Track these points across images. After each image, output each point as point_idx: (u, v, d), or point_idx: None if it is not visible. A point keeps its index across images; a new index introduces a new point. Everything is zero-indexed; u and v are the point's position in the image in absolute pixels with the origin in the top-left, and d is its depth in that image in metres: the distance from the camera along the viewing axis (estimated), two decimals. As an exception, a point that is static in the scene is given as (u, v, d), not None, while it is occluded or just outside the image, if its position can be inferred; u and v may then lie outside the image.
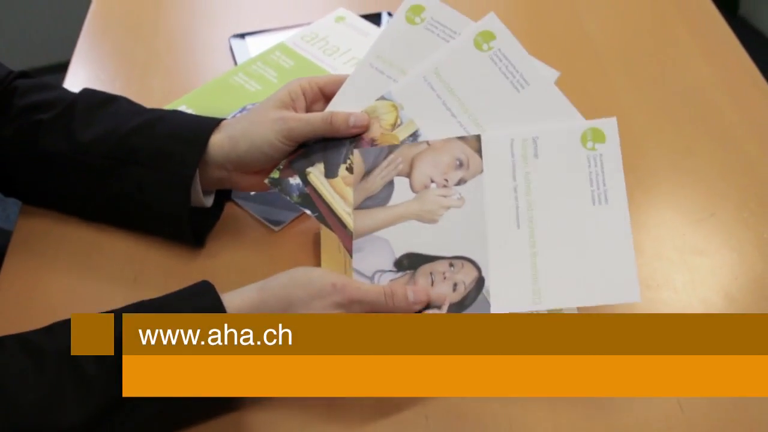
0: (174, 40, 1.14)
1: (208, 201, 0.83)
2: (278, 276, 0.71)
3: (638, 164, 0.94)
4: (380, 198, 0.76)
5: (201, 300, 0.68)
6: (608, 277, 0.71)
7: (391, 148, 0.78)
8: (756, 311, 0.80)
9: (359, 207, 0.76)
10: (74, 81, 1.05)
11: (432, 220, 0.75)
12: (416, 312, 0.72)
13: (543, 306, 0.71)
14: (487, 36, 0.80)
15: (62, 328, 0.66)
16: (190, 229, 0.82)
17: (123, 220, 0.86)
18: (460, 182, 0.76)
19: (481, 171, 0.75)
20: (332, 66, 1.07)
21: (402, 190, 0.76)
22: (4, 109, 0.84)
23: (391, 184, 0.77)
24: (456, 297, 0.72)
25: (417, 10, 0.82)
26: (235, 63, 1.08)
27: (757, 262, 0.84)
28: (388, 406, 0.72)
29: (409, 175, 0.77)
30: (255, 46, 1.10)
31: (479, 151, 0.76)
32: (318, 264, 0.82)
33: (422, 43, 0.82)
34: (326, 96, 0.82)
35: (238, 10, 1.18)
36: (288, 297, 0.69)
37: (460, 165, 0.76)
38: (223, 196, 0.86)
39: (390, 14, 1.15)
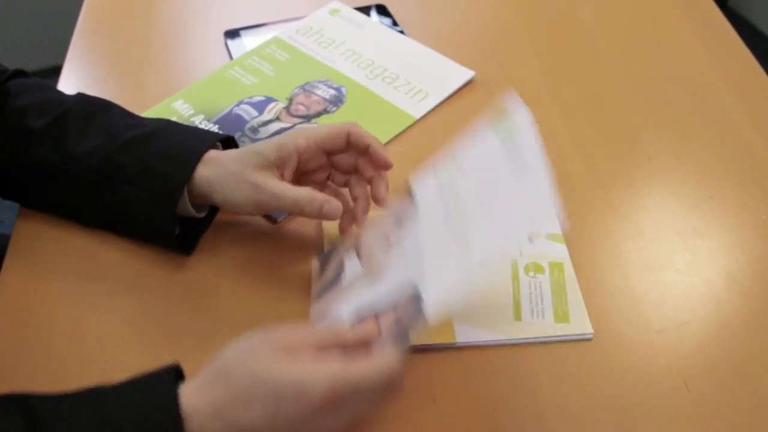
0: (168, 37, 1.13)
1: (201, 211, 0.82)
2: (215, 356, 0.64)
3: (638, 150, 0.94)
4: (334, 281, 0.75)
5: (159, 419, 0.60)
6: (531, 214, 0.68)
7: (336, 243, 0.80)
8: (758, 292, 0.80)
9: (317, 296, 0.76)
10: (69, 80, 1.05)
11: (377, 275, 0.73)
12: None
13: (473, 270, 0.67)
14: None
15: (5, 406, 0.62)
16: (176, 243, 0.81)
17: (114, 230, 0.85)
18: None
19: (416, 215, 0.75)
20: (329, 58, 1.07)
21: (352, 266, 0.75)
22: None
23: (341, 265, 0.76)
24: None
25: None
26: (231, 58, 1.08)
27: (756, 244, 0.84)
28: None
29: (356, 249, 0.77)
30: (250, 41, 1.10)
31: (412, 196, 0.76)
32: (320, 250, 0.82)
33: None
34: (326, 151, 0.80)
35: (232, 5, 1.17)
36: (223, 366, 0.63)
37: (399, 221, 0.76)
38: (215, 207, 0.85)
39: (379, 7, 1.15)
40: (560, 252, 0.82)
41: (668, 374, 0.73)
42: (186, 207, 0.80)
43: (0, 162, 0.84)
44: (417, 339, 0.74)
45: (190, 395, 0.61)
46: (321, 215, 0.76)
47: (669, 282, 0.81)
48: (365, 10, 1.15)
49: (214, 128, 0.96)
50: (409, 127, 0.97)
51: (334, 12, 1.14)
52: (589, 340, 0.75)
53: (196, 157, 0.78)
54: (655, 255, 0.83)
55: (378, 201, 0.79)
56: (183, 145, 0.80)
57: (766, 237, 0.85)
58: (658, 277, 0.81)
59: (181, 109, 0.99)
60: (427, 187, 0.76)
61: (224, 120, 0.97)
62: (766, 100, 1.00)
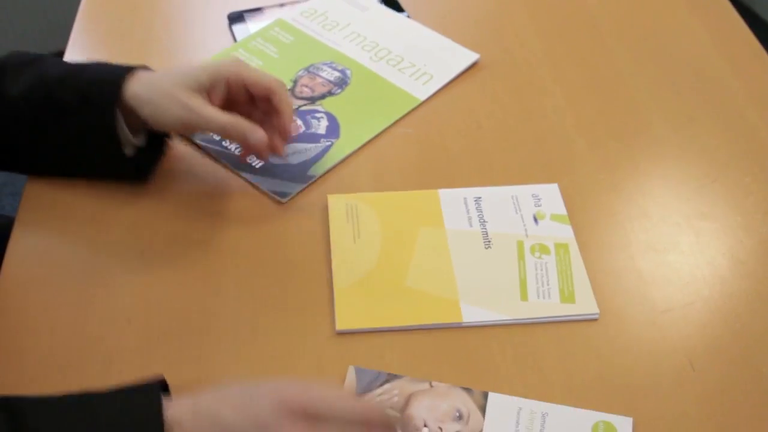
0: (171, 20, 1.13)
1: (138, 136, 0.85)
2: (215, 396, 0.63)
3: (642, 133, 0.94)
4: None
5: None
6: None
7: (390, 377, 0.71)
8: (761, 273, 0.80)
9: None
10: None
11: None
12: None
13: None
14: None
15: (55, 408, 0.63)
16: (128, 168, 0.84)
17: (71, 170, 0.87)
18: None
19: (481, 430, 0.68)
20: (333, 41, 1.06)
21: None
22: None
23: None
24: None
25: None
26: (235, 41, 1.08)
27: (761, 226, 0.85)
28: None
29: (402, 410, 0.69)
30: (254, 24, 1.10)
31: (483, 409, 0.69)
32: (327, 232, 0.82)
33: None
34: (251, 95, 0.84)
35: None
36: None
37: (459, 417, 0.69)
38: (164, 135, 0.88)
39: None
40: (566, 233, 0.82)
41: (673, 353, 0.74)
42: (125, 136, 0.82)
43: None
44: (423, 319, 0.75)
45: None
46: (245, 142, 0.81)
47: (674, 263, 0.81)
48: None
49: None
50: (414, 109, 0.97)
51: None
52: (594, 319, 0.76)
53: (124, 76, 0.81)
54: (660, 237, 0.83)
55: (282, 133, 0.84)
56: (111, 70, 0.83)
57: (770, 219, 0.85)
58: (663, 258, 0.81)
59: None
60: (504, 411, 0.69)
61: None
62: (769, 84, 1.01)
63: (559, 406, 0.69)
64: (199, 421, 0.61)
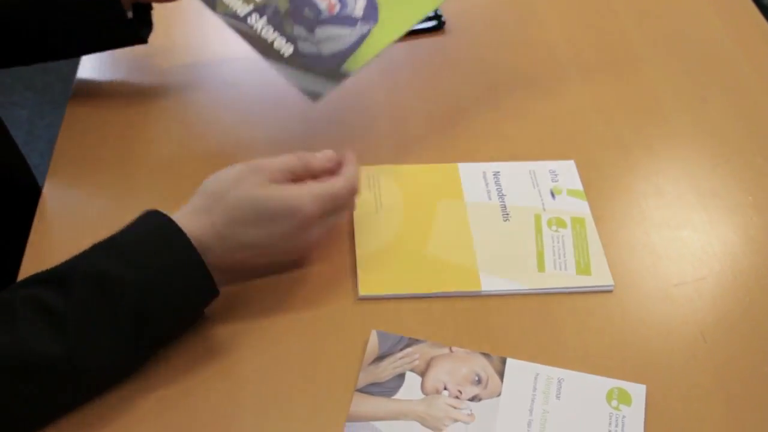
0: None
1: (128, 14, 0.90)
2: (198, 188, 0.73)
3: (656, 113, 0.96)
4: (387, 388, 0.70)
5: (162, 234, 0.69)
6: None
7: (411, 341, 0.74)
8: (773, 250, 0.83)
9: (362, 390, 0.70)
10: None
11: (436, 428, 0.68)
12: None
13: None
14: None
15: (21, 284, 0.68)
16: (128, 28, 0.90)
17: (72, 48, 0.94)
18: (474, 399, 0.70)
19: (499, 394, 0.70)
20: None
21: (412, 386, 0.71)
22: None
23: (401, 377, 0.71)
24: None
25: None
26: None
27: (771, 204, 0.87)
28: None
29: (422, 373, 0.71)
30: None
31: (501, 374, 0.71)
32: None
33: None
34: None
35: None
36: (213, 192, 0.72)
37: (478, 381, 0.71)
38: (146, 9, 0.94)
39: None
40: (582, 208, 0.84)
41: (686, 326, 0.76)
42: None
43: None
44: (443, 287, 0.77)
45: (185, 221, 0.69)
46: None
47: (687, 239, 0.83)
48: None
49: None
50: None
51: None
52: (609, 291, 0.78)
53: None
54: (674, 213, 0.85)
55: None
56: None
57: (781, 199, 0.88)
58: (677, 234, 0.84)
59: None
60: (522, 376, 0.72)
61: None
62: (781, 69, 1.03)
63: (575, 372, 0.72)
64: (229, 248, 0.71)
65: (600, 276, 0.79)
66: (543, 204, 0.85)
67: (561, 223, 0.83)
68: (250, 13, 0.83)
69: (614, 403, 0.70)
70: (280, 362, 0.72)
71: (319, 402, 0.69)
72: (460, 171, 0.88)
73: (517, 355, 0.73)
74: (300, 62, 0.82)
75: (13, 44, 0.90)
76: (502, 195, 0.85)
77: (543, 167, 0.88)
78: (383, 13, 0.83)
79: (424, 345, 0.73)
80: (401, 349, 0.73)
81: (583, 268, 0.79)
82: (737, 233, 0.84)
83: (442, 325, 0.75)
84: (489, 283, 0.78)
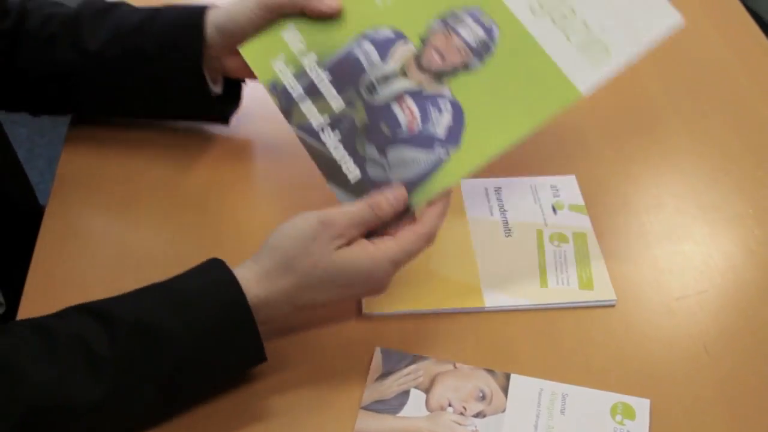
0: None
1: (217, 88, 0.88)
2: (266, 241, 0.70)
3: (656, 127, 0.97)
4: (391, 405, 0.70)
5: (219, 289, 0.68)
6: None
7: (416, 358, 0.74)
8: (774, 262, 0.83)
9: (367, 408, 0.70)
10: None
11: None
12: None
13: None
14: None
15: (71, 313, 0.67)
16: (213, 106, 0.88)
17: (152, 112, 0.92)
18: (479, 415, 0.70)
19: (503, 410, 0.70)
20: None
21: (416, 403, 0.70)
22: (21, 32, 0.88)
23: (406, 394, 0.71)
24: None
25: None
26: None
27: (771, 217, 0.88)
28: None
29: (427, 390, 0.71)
30: None
31: (505, 390, 0.71)
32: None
33: None
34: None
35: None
36: (285, 255, 0.68)
37: (483, 397, 0.71)
38: (238, 84, 0.92)
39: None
40: (583, 222, 0.85)
41: (688, 339, 0.76)
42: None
43: (31, 75, 0.88)
44: (447, 303, 0.78)
45: (253, 284, 0.67)
46: (323, 6, 0.79)
47: (688, 252, 0.84)
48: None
49: (324, 76, 0.78)
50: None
51: None
52: (612, 306, 0.78)
53: (201, 19, 0.83)
54: (675, 227, 0.86)
55: None
56: (186, 13, 0.85)
57: (781, 211, 0.88)
58: (678, 248, 0.84)
59: (290, 40, 0.80)
60: (526, 391, 0.72)
61: (339, 66, 0.78)
62: (780, 81, 1.03)
63: (579, 387, 0.72)
64: (297, 308, 0.70)
65: (602, 290, 0.79)
66: (545, 219, 0.85)
67: (563, 238, 0.83)
68: (324, 127, 0.76)
69: (618, 417, 0.70)
70: (285, 380, 0.72)
71: (325, 420, 0.70)
72: (461, 187, 0.88)
73: (521, 371, 0.73)
74: (365, 189, 0.74)
75: (85, 94, 0.90)
76: (504, 211, 0.86)
77: (544, 183, 0.89)
78: (468, 137, 0.73)
79: (428, 362, 0.73)
80: (405, 366, 0.73)
81: (586, 283, 0.79)
82: (738, 246, 0.84)
83: (446, 342, 0.75)
84: (492, 300, 0.78)
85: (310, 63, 0.79)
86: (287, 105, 0.78)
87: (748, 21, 1.12)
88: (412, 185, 0.72)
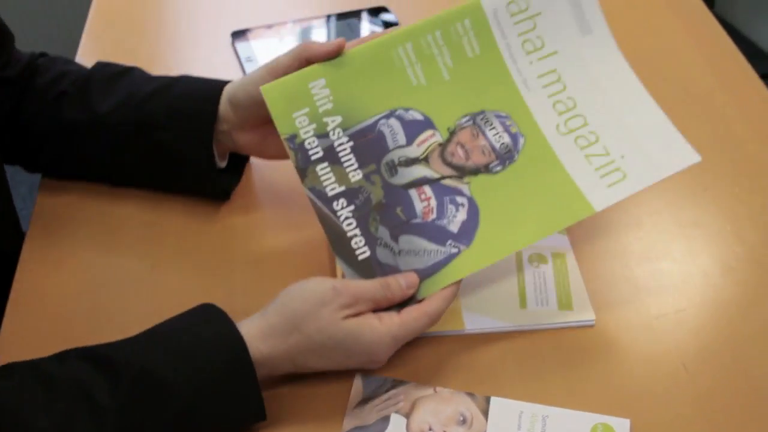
0: (176, 38, 1.16)
1: (222, 162, 0.87)
2: (277, 298, 0.72)
3: (633, 144, 0.97)
4: (372, 431, 0.71)
5: (223, 343, 0.68)
6: None
7: (395, 383, 0.74)
8: (751, 279, 0.84)
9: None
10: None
11: None
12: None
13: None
14: None
15: (73, 358, 0.67)
16: (217, 182, 0.86)
17: (149, 182, 0.90)
18: None
19: None
20: (524, 74, 0.79)
21: (397, 428, 0.71)
22: (29, 87, 0.88)
23: (386, 419, 0.71)
24: None
25: None
26: (238, 58, 1.10)
27: (749, 234, 0.88)
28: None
29: (408, 415, 0.72)
30: (257, 43, 1.12)
31: (485, 413, 0.72)
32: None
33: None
34: None
35: (240, 5, 1.20)
36: (294, 315, 0.70)
37: (463, 421, 0.71)
38: (241, 159, 0.90)
39: (378, 11, 1.18)
40: (562, 243, 0.85)
41: (667, 357, 0.77)
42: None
43: (34, 130, 0.88)
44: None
45: (259, 341, 0.68)
46: (325, 47, 0.77)
47: (667, 271, 0.84)
48: (361, 13, 1.17)
49: (346, 143, 0.76)
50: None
51: None
52: (591, 326, 0.79)
53: (218, 92, 0.83)
54: (653, 245, 0.86)
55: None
56: (204, 86, 0.85)
57: (759, 227, 0.88)
58: (657, 266, 0.85)
59: (318, 95, 0.77)
60: (506, 414, 0.72)
61: (362, 135, 0.77)
62: (756, 98, 1.04)
63: (559, 409, 0.72)
64: (296, 367, 0.71)
65: (581, 311, 0.79)
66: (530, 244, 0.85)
67: (542, 259, 0.84)
68: (338, 196, 0.75)
69: None
70: (266, 406, 0.72)
71: (306, 447, 0.70)
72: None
73: (501, 394, 0.73)
74: (371, 269, 0.74)
75: (85, 156, 0.89)
76: (483, 232, 0.86)
77: (523, 203, 0.89)
78: (480, 236, 0.75)
79: (408, 386, 0.74)
80: (386, 391, 0.73)
81: (565, 304, 0.80)
82: (717, 264, 0.85)
83: (426, 366, 0.76)
84: (472, 322, 0.78)
85: (334, 126, 0.76)
86: (304, 164, 0.76)
87: (726, 40, 1.13)
88: (421, 275, 0.74)
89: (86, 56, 1.11)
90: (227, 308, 0.72)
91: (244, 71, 1.08)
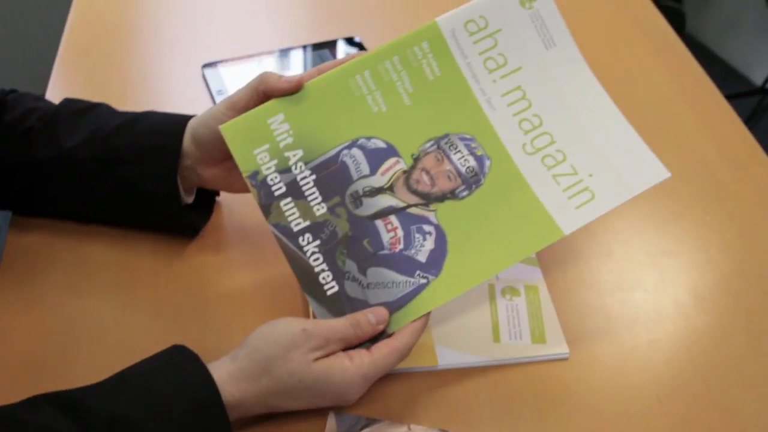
0: (147, 70, 1.16)
1: (189, 198, 0.87)
2: (247, 341, 0.71)
3: (605, 173, 0.98)
4: None
5: (194, 387, 0.67)
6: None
7: (369, 421, 0.73)
8: (723, 308, 0.84)
9: None
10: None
11: None
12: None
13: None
14: None
15: (42, 403, 0.66)
16: (183, 217, 0.86)
17: (117, 219, 0.90)
18: None
19: None
20: (487, 93, 0.78)
21: None
22: None
23: None
24: None
25: None
26: (209, 90, 1.10)
27: (721, 262, 0.88)
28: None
29: None
30: (228, 73, 1.12)
31: None
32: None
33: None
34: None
35: (210, 38, 1.20)
36: (265, 359, 0.69)
37: None
38: (210, 196, 0.90)
39: (351, 41, 1.18)
40: (535, 275, 0.85)
41: (641, 388, 0.77)
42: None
43: (1, 167, 0.87)
44: (400, 364, 0.77)
45: (230, 385, 0.68)
46: (282, 83, 0.76)
47: (639, 301, 0.84)
48: (332, 44, 1.17)
49: (309, 177, 0.76)
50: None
51: (527, 1, 0.79)
52: (565, 359, 0.79)
53: (182, 127, 0.83)
54: (626, 275, 0.87)
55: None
56: (169, 120, 0.85)
57: (731, 255, 0.89)
58: (629, 296, 0.85)
59: (277, 130, 0.76)
60: None
61: (325, 167, 0.76)
62: (726, 125, 1.05)
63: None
64: (260, 408, 0.70)
65: (555, 344, 0.79)
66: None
67: (515, 292, 0.84)
68: (303, 231, 0.74)
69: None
70: (239, 448, 0.72)
71: (278, 488, 0.69)
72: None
73: (475, 428, 0.73)
74: (340, 304, 0.74)
75: (51, 192, 0.88)
76: (456, 265, 0.86)
77: (496, 235, 0.89)
78: (449, 264, 0.74)
79: (382, 424, 0.73)
80: (360, 430, 0.73)
81: (538, 337, 0.80)
82: (689, 292, 0.85)
83: (399, 403, 0.75)
84: (445, 358, 0.78)
85: (295, 160, 0.76)
86: (267, 200, 0.75)
87: (695, 67, 1.14)
88: (390, 309, 0.73)
89: (57, 90, 1.11)
90: (200, 347, 0.71)
91: (215, 104, 1.07)
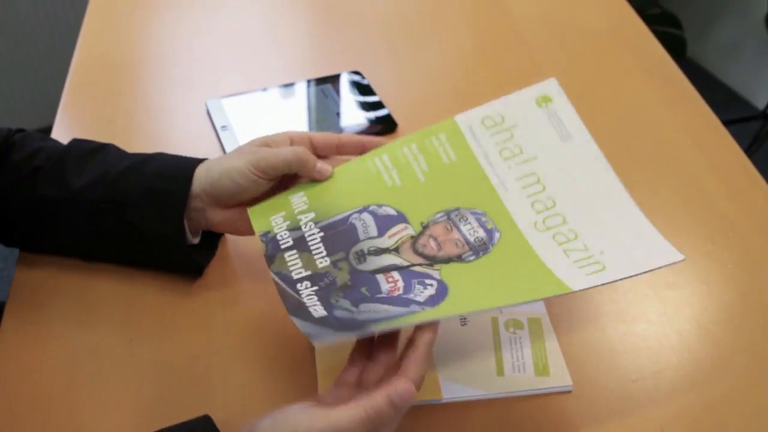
0: (152, 106, 1.17)
1: (195, 239, 0.87)
2: (257, 426, 0.66)
3: (606, 205, 0.98)
4: None
5: None
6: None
7: None
8: (726, 338, 0.84)
9: None
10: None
11: None
12: None
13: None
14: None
15: None
16: (189, 259, 0.86)
17: (122, 259, 0.90)
18: None
19: None
20: (501, 176, 0.81)
21: None
22: (5, 162, 0.88)
23: None
24: None
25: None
26: (213, 125, 1.11)
27: (724, 293, 0.89)
28: None
29: None
30: (231, 110, 1.13)
31: None
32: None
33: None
34: (315, 150, 0.84)
35: (215, 75, 1.21)
36: None
37: None
38: (216, 235, 0.91)
39: (356, 74, 1.19)
40: (538, 307, 0.86)
41: (645, 421, 0.77)
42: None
43: (8, 206, 0.88)
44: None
45: None
46: (315, 172, 0.81)
47: (643, 333, 0.85)
48: (335, 78, 1.19)
49: (317, 234, 0.77)
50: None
51: (543, 101, 0.85)
52: (569, 391, 0.79)
53: (191, 172, 0.83)
54: (629, 307, 0.87)
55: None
56: (178, 164, 0.86)
57: (733, 285, 0.89)
58: (632, 328, 0.85)
59: (296, 202, 0.80)
60: None
61: (333, 227, 0.78)
62: (726, 154, 1.06)
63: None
64: None
65: (559, 377, 0.80)
66: (500, 306, 0.86)
67: (518, 325, 0.84)
68: (303, 279, 0.74)
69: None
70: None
71: None
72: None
73: (480, 464, 0.73)
74: (327, 324, 0.70)
75: (57, 231, 0.88)
76: (460, 299, 0.86)
77: (499, 267, 0.90)
78: (448, 302, 0.72)
79: None
80: None
81: (542, 370, 0.80)
82: (692, 324, 0.86)
83: (405, 437, 0.75)
84: (449, 391, 0.78)
85: (306, 219, 0.78)
86: (272, 252, 0.76)
87: (694, 95, 1.15)
88: (377, 321, 0.69)
89: (63, 126, 1.12)
90: (207, 382, 0.72)
91: (219, 139, 1.08)
